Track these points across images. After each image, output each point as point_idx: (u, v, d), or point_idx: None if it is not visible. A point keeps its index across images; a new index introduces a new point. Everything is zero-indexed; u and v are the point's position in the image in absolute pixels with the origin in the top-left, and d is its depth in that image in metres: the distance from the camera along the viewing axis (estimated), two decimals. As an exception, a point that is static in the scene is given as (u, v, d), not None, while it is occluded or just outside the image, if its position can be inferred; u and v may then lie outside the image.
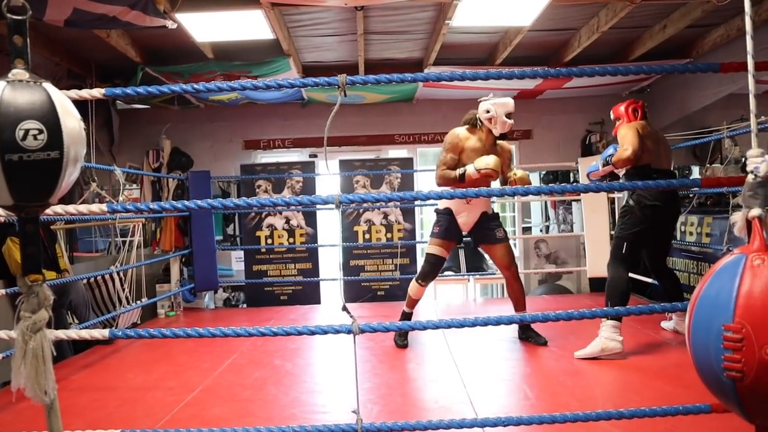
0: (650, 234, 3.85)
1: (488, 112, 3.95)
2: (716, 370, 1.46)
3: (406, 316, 4.25)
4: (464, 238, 4.41)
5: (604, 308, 3.56)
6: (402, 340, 4.22)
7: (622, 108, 4.08)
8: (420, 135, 7.34)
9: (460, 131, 4.03)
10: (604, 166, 3.96)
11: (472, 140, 3.99)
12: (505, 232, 4.19)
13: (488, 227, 4.12)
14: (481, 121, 4.01)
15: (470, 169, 3.81)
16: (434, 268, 4.14)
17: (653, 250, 4.09)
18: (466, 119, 4.09)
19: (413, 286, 4.19)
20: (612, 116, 4.18)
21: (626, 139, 3.77)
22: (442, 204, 4.16)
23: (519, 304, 4.17)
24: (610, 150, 3.96)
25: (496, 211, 4.38)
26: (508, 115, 3.94)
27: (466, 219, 4.10)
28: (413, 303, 4.22)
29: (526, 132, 7.38)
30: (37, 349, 1.36)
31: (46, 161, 1.28)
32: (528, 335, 4.17)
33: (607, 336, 3.66)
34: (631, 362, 3.70)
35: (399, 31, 5.29)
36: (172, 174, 6.42)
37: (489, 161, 3.76)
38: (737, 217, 1.62)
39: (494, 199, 5.67)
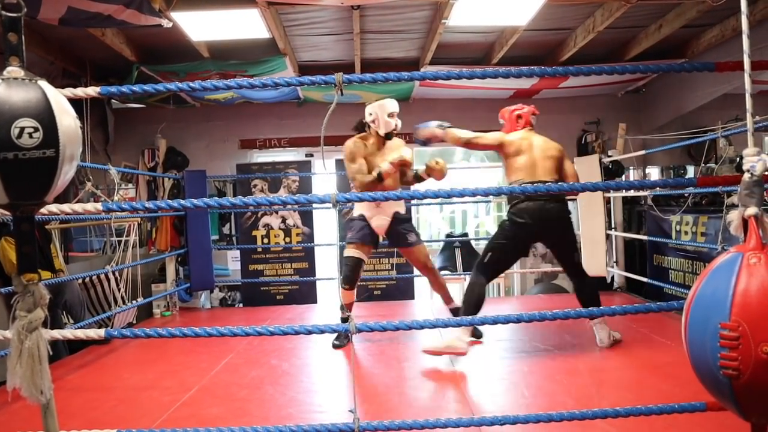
0: (512, 248, 3.89)
1: (371, 115, 4.16)
2: (713, 368, 1.47)
3: (345, 320, 4.29)
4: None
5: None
6: (340, 340, 4.23)
7: (507, 113, 4.23)
8: (416, 134, 7.33)
9: (353, 141, 4.20)
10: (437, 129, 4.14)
11: (366, 146, 4.19)
12: (417, 234, 4.40)
13: (401, 232, 4.26)
14: (368, 125, 4.20)
15: (385, 166, 4.02)
16: (354, 270, 4.22)
17: (559, 258, 4.14)
18: (354, 126, 4.30)
19: (342, 293, 4.27)
20: (500, 119, 4.30)
21: (483, 140, 4.12)
22: (356, 210, 4.33)
23: (446, 298, 4.42)
24: (446, 124, 4.18)
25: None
26: (390, 115, 4.15)
27: (379, 222, 4.23)
28: (349, 307, 4.30)
29: (522, 131, 7.37)
30: (33, 349, 1.35)
31: (42, 159, 1.27)
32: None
33: (457, 336, 3.69)
34: (626, 361, 3.70)
35: (395, 31, 5.29)
36: (167, 173, 6.40)
37: (403, 152, 4.06)
38: (733, 216, 1.63)
39: (491, 197, 5.67)
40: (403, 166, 4.09)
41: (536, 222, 3.75)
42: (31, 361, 1.34)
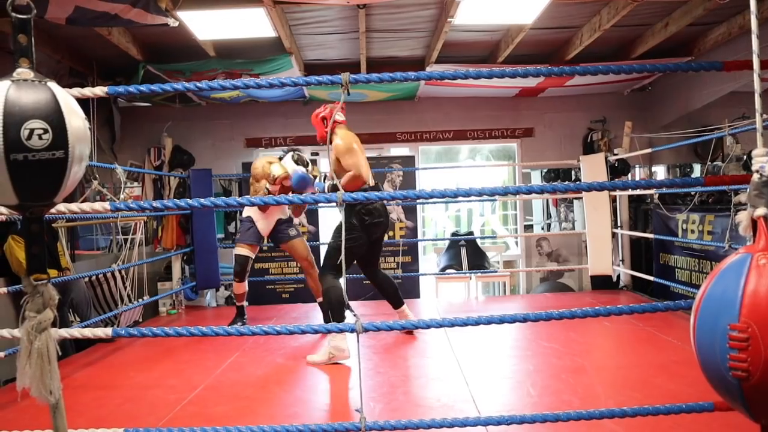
0: (365, 247, 4.08)
1: None
2: (722, 370, 1.46)
3: (240, 309, 4.97)
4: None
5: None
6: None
7: (314, 120, 4.22)
8: (422, 133, 7.33)
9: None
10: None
11: None
12: (297, 230, 4.95)
13: (281, 230, 4.86)
14: None
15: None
16: (243, 266, 4.79)
17: (365, 261, 4.28)
18: None
19: (235, 285, 4.86)
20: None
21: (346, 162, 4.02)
22: (245, 213, 4.87)
23: (318, 293, 4.71)
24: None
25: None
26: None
27: (263, 225, 4.80)
28: (242, 298, 4.92)
29: (528, 130, 7.37)
30: (42, 349, 1.35)
31: (51, 161, 1.27)
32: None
33: (334, 345, 3.79)
34: (632, 360, 3.70)
35: (401, 29, 5.28)
36: (173, 172, 6.41)
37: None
38: (743, 217, 1.62)
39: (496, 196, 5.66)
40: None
41: (384, 220, 4.07)
42: (40, 361, 1.35)
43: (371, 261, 4.30)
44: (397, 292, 4.40)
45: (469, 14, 4.52)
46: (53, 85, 1.32)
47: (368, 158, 6.57)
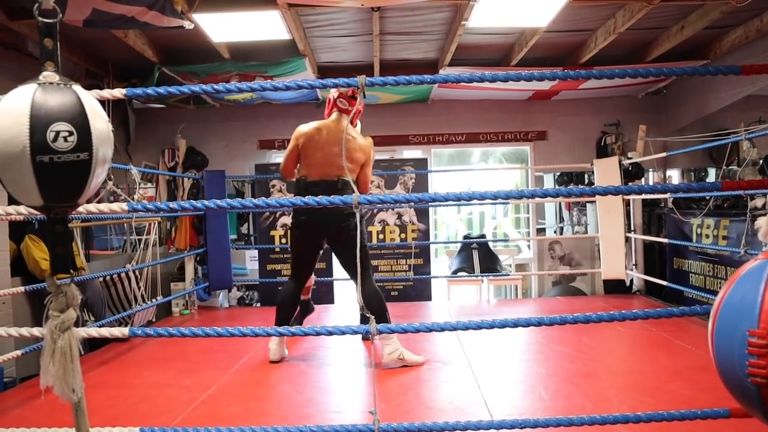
0: (306, 251, 3.93)
1: None
2: (740, 376, 1.45)
3: (305, 303, 4.58)
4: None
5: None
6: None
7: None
8: (434, 135, 7.34)
9: None
10: None
11: None
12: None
13: None
14: None
15: None
16: None
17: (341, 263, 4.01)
18: None
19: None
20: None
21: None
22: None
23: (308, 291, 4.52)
24: None
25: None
26: None
27: None
28: (307, 291, 4.50)
29: (541, 133, 7.35)
30: (65, 348, 1.37)
31: (76, 162, 1.29)
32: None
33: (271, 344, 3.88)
34: (646, 365, 3.68)
35: (415, 32, 5.29)
36: (187, 173, 6.46)
37: None
38: (762, 222, 1.61)
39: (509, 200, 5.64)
40: None
41: (309, 219, 3.78)
42: (63, 360, 1.37)
43: (346, 268, 3.98)
44: (378, 314, 3.58)
45: (484, 17, 4.52)
46: (78, 88, 1.34)
47: (381, 160, 6.59)
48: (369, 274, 3.86)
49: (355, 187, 2.46)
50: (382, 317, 3.64)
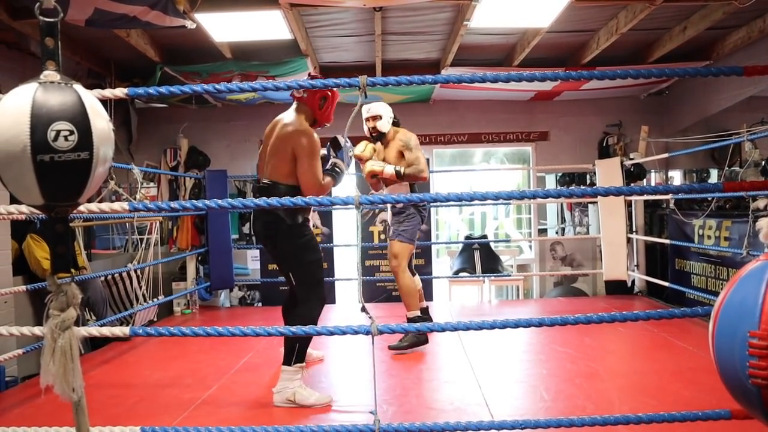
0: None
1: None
2: (741, 377, 1.45)
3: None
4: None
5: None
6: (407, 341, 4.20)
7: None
8: (436, 136, 7.33)
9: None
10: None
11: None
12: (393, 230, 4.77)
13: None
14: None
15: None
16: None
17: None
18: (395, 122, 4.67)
19: None
20: None
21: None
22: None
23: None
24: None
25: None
26: (365, 120, 4.58)
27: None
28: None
29: (543, 133, 7.35)
30: (66, 347, 1.37)
31: (77, 162, 1.29)
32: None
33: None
34: (647, 366, 3.67)
35: (417, 32, 5.28)
36: (189, 173, 6.46)
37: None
38: (764, 224, 1.61)
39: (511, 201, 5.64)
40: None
41: (254, 227, 3.39)
42: (63, 359, 1.37)
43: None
44: (295, 347, 3.09)
45: (486, 17, 4.52)
46: (79, 87, 1.34)
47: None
48: (310, 297, 3.19)
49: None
50: (291, 352, 3.05)
